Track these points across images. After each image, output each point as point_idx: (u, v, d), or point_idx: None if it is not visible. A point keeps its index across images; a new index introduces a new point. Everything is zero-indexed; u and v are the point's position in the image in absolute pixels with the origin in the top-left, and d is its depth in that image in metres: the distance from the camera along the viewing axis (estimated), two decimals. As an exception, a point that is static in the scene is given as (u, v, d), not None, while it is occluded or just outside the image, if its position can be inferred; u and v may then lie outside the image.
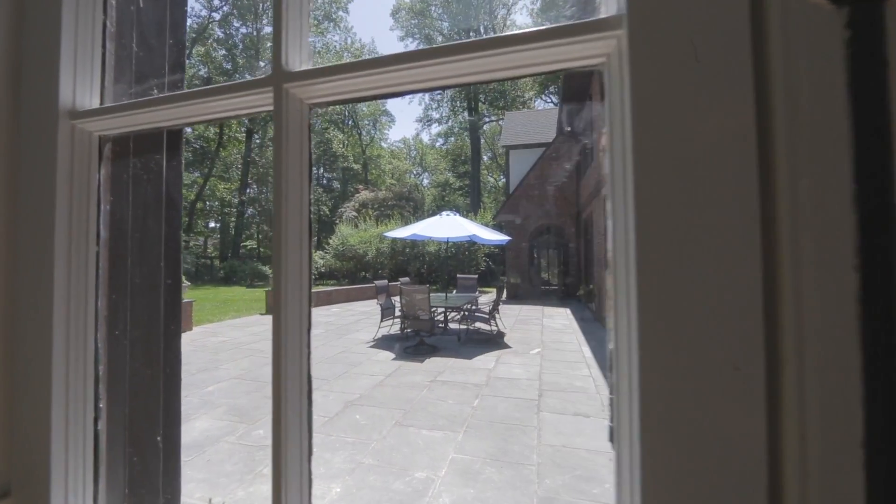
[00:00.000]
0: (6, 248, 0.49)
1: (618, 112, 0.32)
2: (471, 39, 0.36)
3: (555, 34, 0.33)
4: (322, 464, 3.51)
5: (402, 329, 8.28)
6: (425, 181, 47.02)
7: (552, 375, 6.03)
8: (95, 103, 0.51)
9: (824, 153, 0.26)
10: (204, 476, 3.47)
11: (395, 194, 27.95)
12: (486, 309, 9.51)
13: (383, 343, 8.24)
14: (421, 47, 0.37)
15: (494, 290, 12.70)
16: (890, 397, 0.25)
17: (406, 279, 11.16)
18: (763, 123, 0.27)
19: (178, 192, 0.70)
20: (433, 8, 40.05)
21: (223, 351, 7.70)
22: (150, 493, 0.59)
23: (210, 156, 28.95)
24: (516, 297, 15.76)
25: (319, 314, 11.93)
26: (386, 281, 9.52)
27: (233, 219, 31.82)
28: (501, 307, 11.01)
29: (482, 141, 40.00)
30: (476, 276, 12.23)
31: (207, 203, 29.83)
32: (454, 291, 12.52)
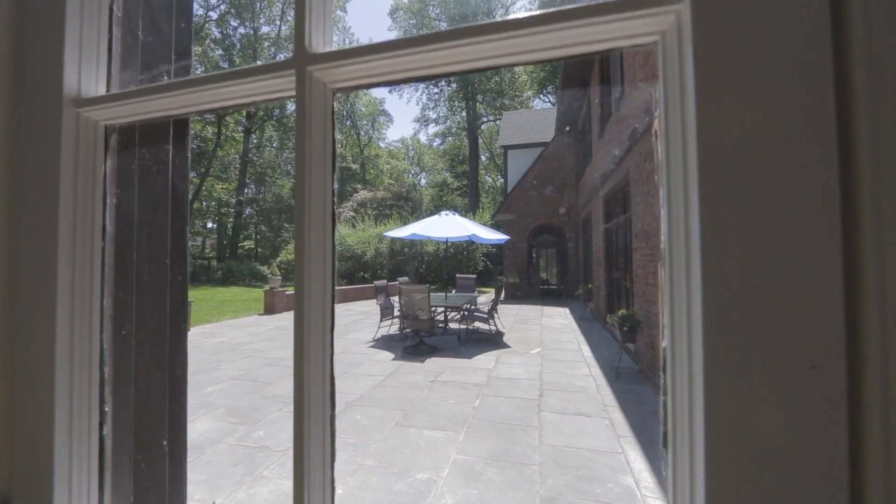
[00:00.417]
0: (7, 244, 0.46)
1: (676, 93, 0.30)
2: (510, 17, 0.34)
3: (603, 10, 0.31)
4: (323, 465, 3.48)
5: (401, 329, 8.25)
6: (423, 181, 46.99)
7: (552, 375, 6.02)
8: (101, 91, 0.48)
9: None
10: (204, 478, 3.44)
11: (394, 194, 27.91)
12: (486, 309, 9.49)
13: (383, 343, 8.21)
14: (456, 27, 0.35)
15: (493, 289, 12.70)
16: None
17: (405, 279, 11.13)
18: (844, 103, 0.25)
19: (185, 185, 0.67)
20: (431, 8, 40.02)
21: (222, 352, 7.65)
22: (157, 501, 0.56)
23: (207, 155, 28.80)
24: (515, 297, 15.76)
25: (318, 314, 11.88)
26: (385, 281, 9.49)
27: (230, 219, 31.67)
28: (500, 307, 10.99)
29: (480, 141, 40.01)
30: (475, 275, 12.21)
31: (205, 203, 29.67)
32: (453, 291, 12.50)
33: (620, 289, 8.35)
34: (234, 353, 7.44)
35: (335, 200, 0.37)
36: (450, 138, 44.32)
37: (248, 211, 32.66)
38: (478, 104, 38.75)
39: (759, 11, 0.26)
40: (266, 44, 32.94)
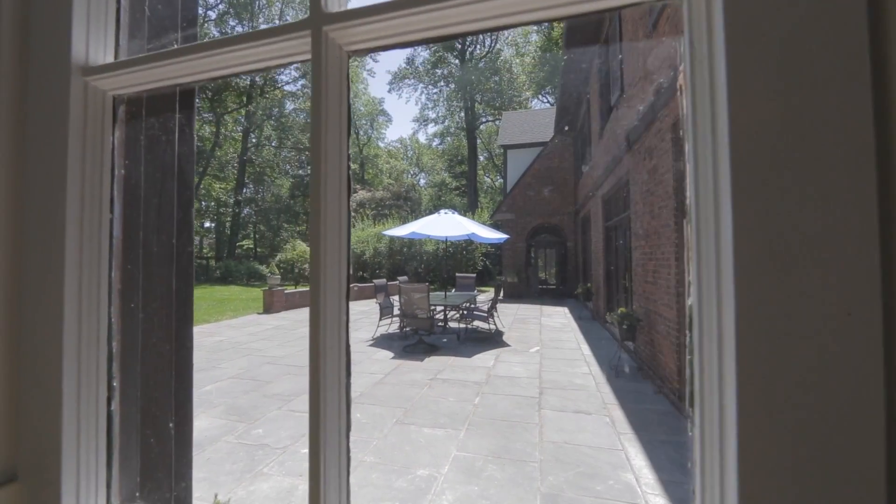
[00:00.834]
0: (14, 215, 0.45)
1: (703, 47, 0.29)
2: (531, -26, 0.33)
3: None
4: (323, 462, 3.47)
5: (401, 328, 8.25)
6: (422, 181, 46.95)
7: (552, 373, 6.02)
8: (110, 59, 0.48)
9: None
10: (204, 475, 3.42)
11: (393, 194, 27.89)
12: (485, 308, 9.49)
13: (382, 342, 8.20)
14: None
15: (492, 288, 12.69)
16: None
17: (404, 278, 11.11)
18: (878, 44, 0.25)
19: (192, 155, 0.66)
20: (430, 8, 39.82)
21: (220, 350, 7.63)
22: (165, 480, 0.55)
23: (206, 154, 28.72)
24: (514, 296, 15.76)
25: (317, 313, 11.86)
26: (384, 280, 9.48)
27: (228, 218, 31.56)
28: (499, 306, 10.99)
29: (479, 141, 40.02)
30: (474, 275, 12.21)
31: (203, 202, 29.57)
32: (453, 290, 12.50)
33: (619, 287, 8.36)
34: (233, 352, 7.42)
35: (350, 165, 0.37)
36: (448, 138, 44.32)
37: (246, 210, 32.57)
38: (476, 104, 38.77)
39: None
40: (265, 43, 32.86)
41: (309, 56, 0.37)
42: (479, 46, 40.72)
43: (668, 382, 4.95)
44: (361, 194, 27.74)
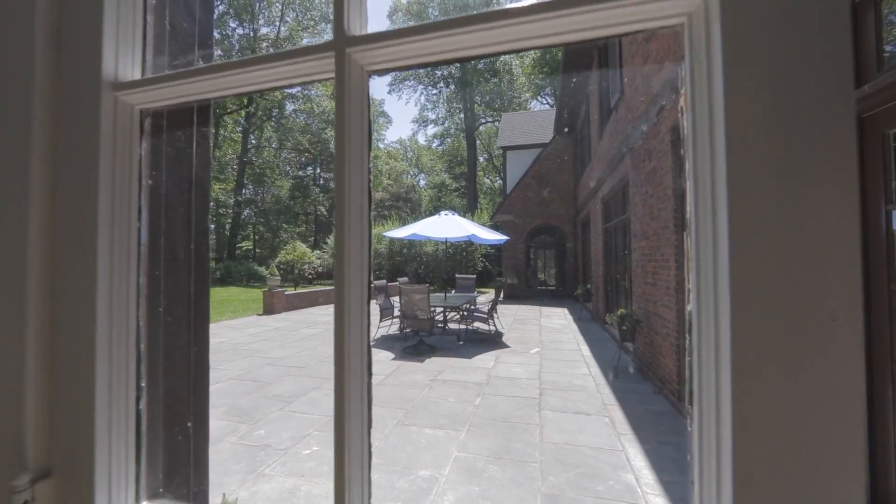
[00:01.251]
0: (49, 223, 0.48)
1: (703, 71, 0.32)
2: (537, 0, 0.36)
3: (634, -7, 0.33)
4: (326, 462, 3.48)
5: (401, 329, 8.26)
6: (422, 182, 46.99)
7: (552, 374, 6.04)
8: (137, 76, 0.50)
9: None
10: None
11: (392, 195, 27.92)
12: (485, 309, 9.51)
13: (383, 343, 8.21)
14: (494, 8, 0.37)
15: (492, 290, 12.71)
16: None
17: (405, 279, 11.14)
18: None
19: (208, 166, 0.69)
20: (430, 10, 40.12)
21: (221, 352, 7.63)
22: (186, 476, 0.57)
23: (205, 156, 28.64)
24: (514, 297, 15.78)
25: (317, 313, 11.88)
26: (385, 281, 9.50)
27: (228, 220, 31.57)
28: (499, 307, 11.01)
29: (478, 142, 40.08)
30: (474, 276, 12.23)
31: (202, 203, 29.49)
32: (453, 291, 12.52)
33: (619, 289, 8.38)
34: (234, 353, 7.43)
35: (370, 177, 0.39)
36: (448, 139, 44.38)
37: (246, 212, 32.57)
38: (476, 105, 38.83)
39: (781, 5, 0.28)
40: (265, 44, 32.90)
41: (332, 75, 0.40)
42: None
43: (667, 383, 4.97)
44: (361, 195, 27.72)
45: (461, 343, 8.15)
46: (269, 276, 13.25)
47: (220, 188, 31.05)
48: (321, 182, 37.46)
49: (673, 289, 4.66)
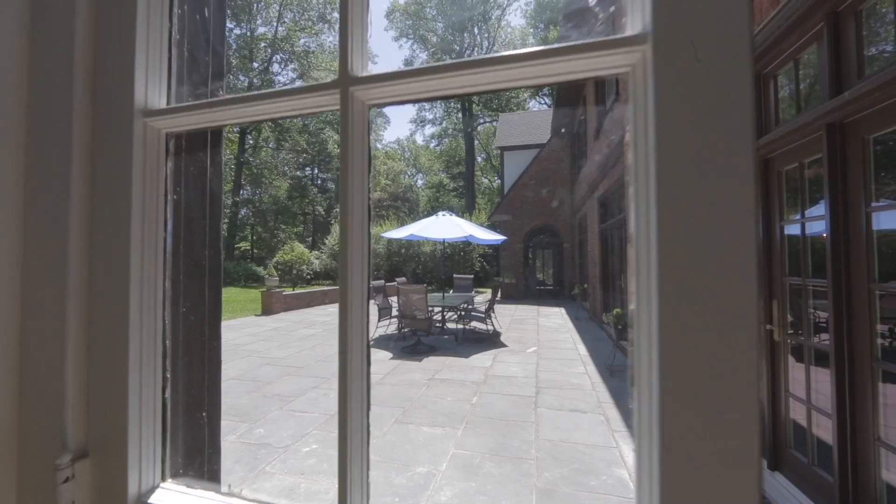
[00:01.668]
0: (86, 235, 0.54)
1: (641, 113, 0.39)
2: (515, 51, 0.43)
3: (590, 48, 0.40)
4: (325, 460, 3.55)
5: (399, 329, 8.33)
6: (419, 182, 47.05)
7: (548, 373, 6.12)
8: (163, 104, 0.57)
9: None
10: (206, 473, 3.49)
11: (390, 195, 27.96)
12: (483, 308, 9.59)
13: (381, 342, 8.27)
14: (475, 57, 0.44)
15: (490, 289, 12.79)
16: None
17: (402, 279, 11.21)
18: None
19: (220, 183, 0.76)
20: (427, 9, 40.20)
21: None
22: (201, 458, 0.64)
23: (203, 156, 28.61)
24: (511, 297, 15.86)
25: (316, 314, 11.92)
26: (383, 281, 9.56)
27: (226, 220, 31.58)
28: (497, 307, 11.10)
29: (476, 142, 40.18)
30: (472, 276, 12.31)
31: (200, 204, 29.45)
32: (450, 291, 12.58)
33: (615, 288, 8.48)
34: (233, 353, 7.48)
35: (371, 196, 0.46)
36: (446, 140, 44.45)
37: (243, 212, 32.55)
38: (474, 105, 38.88)
39: (703, 55, 0.35)
40: (262, 44, 32.91)
41: (337, 107, 0.47)
42: (476, 49, 40.87)
43: (661, 381, 5.05)
44: (359, 196, 27.70)
45: (459, 342, 8.22)
46: (267, 276, 13.27)
47: (217, 188, 30.91)
48: (319, 182, 37.42)
49: (666, 288, 4.74)
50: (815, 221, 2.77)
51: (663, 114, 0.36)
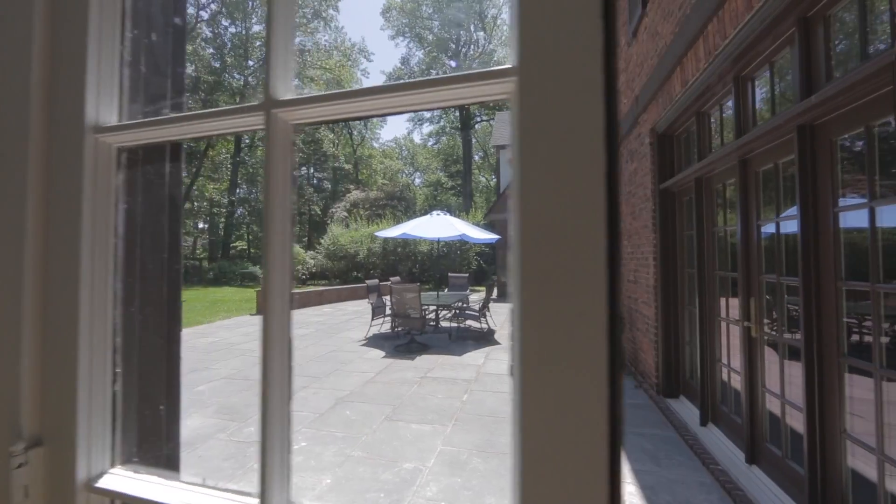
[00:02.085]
0: (42, 240, 0.59)
1: (515, 133, 0.44)
2: (417, 79, 0.48)
3: (478, 77, 0.45)
4: (313, 457, 3.60)
5: (393, 328, 8.37)
6: (417, 181, 47.07)
7: (539, 370, 6.16)
8: (115, 120, 0.61)
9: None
10: (196, 471, 3.54)
11: (387, 194, 27.96)
12: (477, 307, 9.65)
13: (374, 341, 8.32)
14: (385, 83, 0.49)
15: (485, 288, 12.85)
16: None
17: (397, 278, 11.25)
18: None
19: (179, 192, 0.81)
20: (424, 7, 40.18)
21: (213, 351, 7.71)
22: (157, 443, 0.69)
23: (198, 155, 28.65)
24: (507, 296, 15.94)
25: (311, 314, 11.96)
26: (377, 280, 9.60)
27: (222, 219, 31.52)
28: (492, 305, 11.17)
29: (474, 141, 40.22)
30: (467, 275, 12.37)
31: (196, 203, 29.49)
32: (446, 290, 12.64)
33: (607, 287, 8.53)
34: (227, 353, 7.51)
35: (294, 211, 0.51)
36: (444, 138, 44.49)
37: (239, 211, 32.49)
38: (472, 105, 38.81)
39: (554, 85, 0.41)
40: (258, 43, 32.80)
41: (263, 127, 0.52)
42: (473, 47, 40.87)
43: (647, 378, 5.13)
44: (355, 195, 27.73)
45: (453, 341, 8.29)
46: (262, 276, 13.24)
47: (213, 188, 30.91)
48: (315, 182, 37.34)
49: (652, 287, 4.81)
50: (790, 221, 2.84)
51: (524, 135, 0.41)
